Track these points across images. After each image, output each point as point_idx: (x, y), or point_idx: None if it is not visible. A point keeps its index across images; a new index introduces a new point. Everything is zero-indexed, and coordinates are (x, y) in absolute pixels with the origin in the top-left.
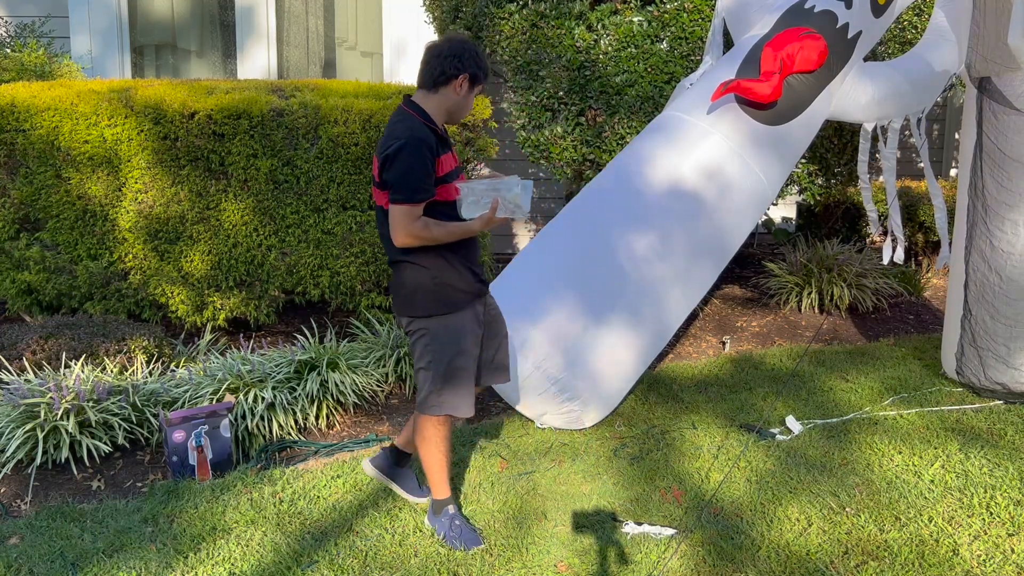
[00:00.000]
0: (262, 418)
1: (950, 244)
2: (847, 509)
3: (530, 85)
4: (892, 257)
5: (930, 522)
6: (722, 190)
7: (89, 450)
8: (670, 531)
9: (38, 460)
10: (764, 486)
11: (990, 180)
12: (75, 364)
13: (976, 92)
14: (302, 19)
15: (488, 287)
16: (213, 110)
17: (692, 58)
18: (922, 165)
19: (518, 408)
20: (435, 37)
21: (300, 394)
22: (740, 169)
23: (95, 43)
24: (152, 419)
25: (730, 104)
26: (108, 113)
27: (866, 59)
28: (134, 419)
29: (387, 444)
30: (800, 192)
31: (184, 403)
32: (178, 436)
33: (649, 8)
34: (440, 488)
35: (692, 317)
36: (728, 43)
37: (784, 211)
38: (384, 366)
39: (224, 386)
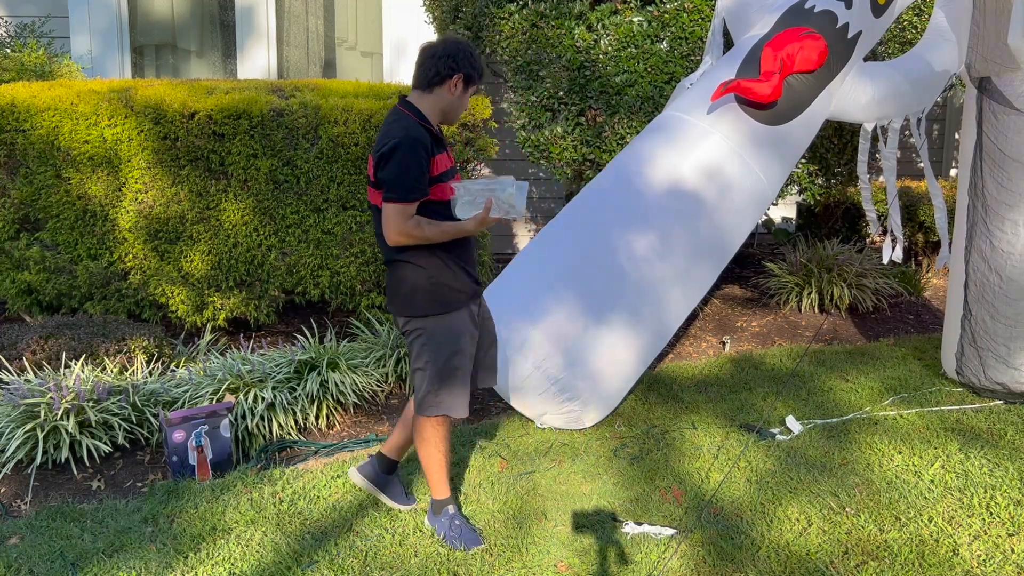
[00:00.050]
0: (262, 418)
1: (950, 244)
2: (847, 509)
3: (530, 85)
4: (891, 256)
5: (930, 522)
6: (722, 190)
7: (89, 450)
8: (670, 531)
9: (38, 460)
10: (764, 486)
11: (990, 180)
12: (75, 364)
13: (976, 92)
14: (302, 19)
15: (482, 288)
16: (213, 110)
17: (692, 58)
18: (922, 165)
19: (518, 408)
20: (435, 37)
21: (300, 394)
22: (740, 169)
23: (95, 43)
24: (152, 419)
25: (730, 104)
26: (108, 113)
27: (866, 59)
28: (134, 419)
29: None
30: (800, 192)
31: (184, 403)
32: (178, 436)
33: (649, 8)
34: (440, 488)
35: (692, 317)
36: (728, 43)
37: (784, 211)
38: (384, 366)
39: (224, 386)
